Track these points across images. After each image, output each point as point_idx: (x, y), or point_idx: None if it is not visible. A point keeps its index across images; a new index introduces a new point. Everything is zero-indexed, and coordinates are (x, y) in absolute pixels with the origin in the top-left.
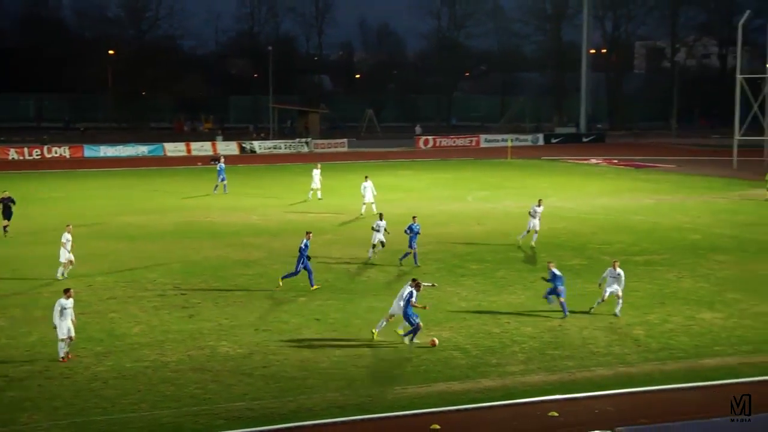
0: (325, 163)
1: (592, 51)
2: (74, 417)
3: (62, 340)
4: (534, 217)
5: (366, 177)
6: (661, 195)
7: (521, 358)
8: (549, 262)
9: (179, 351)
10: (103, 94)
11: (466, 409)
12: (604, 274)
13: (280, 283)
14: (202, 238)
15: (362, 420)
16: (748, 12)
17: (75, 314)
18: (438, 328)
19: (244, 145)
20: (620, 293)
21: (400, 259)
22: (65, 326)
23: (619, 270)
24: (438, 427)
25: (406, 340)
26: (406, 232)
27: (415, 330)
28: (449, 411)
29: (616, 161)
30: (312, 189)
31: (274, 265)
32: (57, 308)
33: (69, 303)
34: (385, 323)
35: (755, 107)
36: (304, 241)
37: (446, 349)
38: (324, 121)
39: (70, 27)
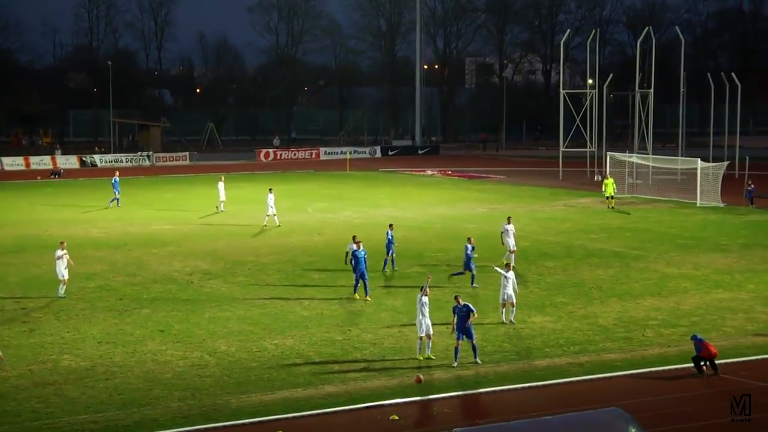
0: (168, 176)
1: (426, 66)
2: None
3: None
4: (507, 236)
5: (270, 189)
6: (493, 204)
7: (362, 365)
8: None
9: (20, 366)
10: None
11: (309, 415)
12: (502, 278)
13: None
14: (41, 252)
15: (207, 429)
16: (568, 31)
17: None
18: (281, 337)
19: (84, 158)
20: (513, 300)
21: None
22: None
23: (509, 273)
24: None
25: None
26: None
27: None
28: (293, 417)
29: (450, 172)
30: (221, 201)
31: (117, 277)
32: None
33: None
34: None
35: (577, 120)
36: (353, 246)
37: (289, 357)
38: (166, 135)
39: None
